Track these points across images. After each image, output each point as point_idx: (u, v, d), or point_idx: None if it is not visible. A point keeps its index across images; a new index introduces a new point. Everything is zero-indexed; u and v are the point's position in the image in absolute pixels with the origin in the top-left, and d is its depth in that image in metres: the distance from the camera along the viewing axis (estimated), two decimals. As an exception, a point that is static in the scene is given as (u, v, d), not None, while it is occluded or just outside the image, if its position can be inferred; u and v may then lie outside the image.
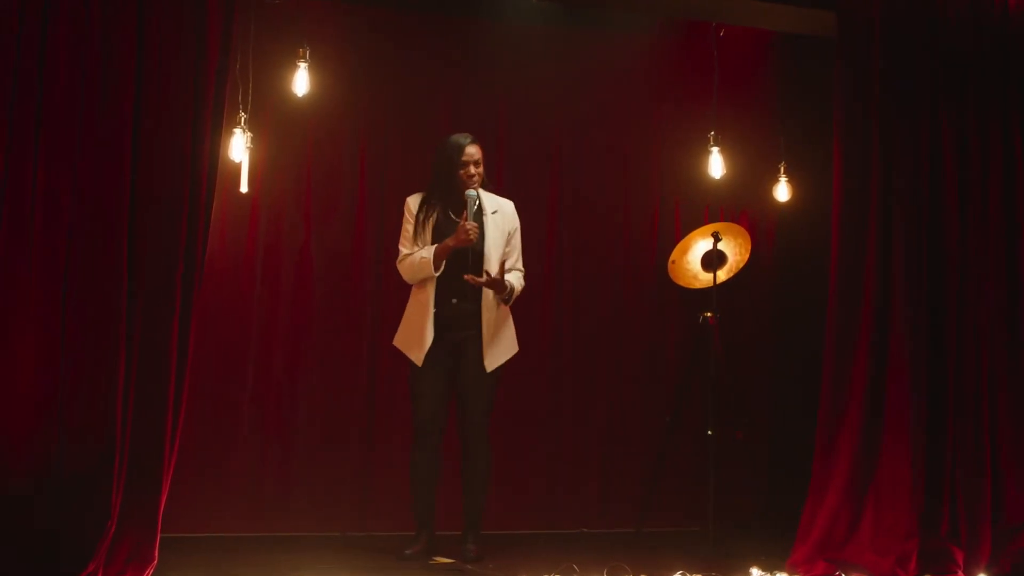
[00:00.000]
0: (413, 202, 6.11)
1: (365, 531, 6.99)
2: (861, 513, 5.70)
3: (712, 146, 6.74)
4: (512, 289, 6.01)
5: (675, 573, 5.39)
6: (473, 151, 6.03)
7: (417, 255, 5.96)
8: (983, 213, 5.99)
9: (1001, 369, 5.93)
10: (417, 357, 5.97)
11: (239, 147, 5.93)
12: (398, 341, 6.11)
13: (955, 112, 5.97)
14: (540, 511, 7.43)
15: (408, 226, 6.06)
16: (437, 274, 5.93)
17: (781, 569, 5.63)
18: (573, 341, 7.63)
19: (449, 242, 5.90)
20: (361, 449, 7.16)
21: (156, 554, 4.80)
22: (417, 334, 6.00)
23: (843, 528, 5.71)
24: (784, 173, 7.14)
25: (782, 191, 7.17)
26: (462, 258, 5.92)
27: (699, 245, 7.39)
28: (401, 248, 6.07)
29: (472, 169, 6.01)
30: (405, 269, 6.03)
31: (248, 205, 6.91)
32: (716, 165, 6.76)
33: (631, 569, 5.36)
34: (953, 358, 5.84)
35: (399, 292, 6.93)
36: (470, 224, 5.86)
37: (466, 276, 5.85)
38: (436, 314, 5.97)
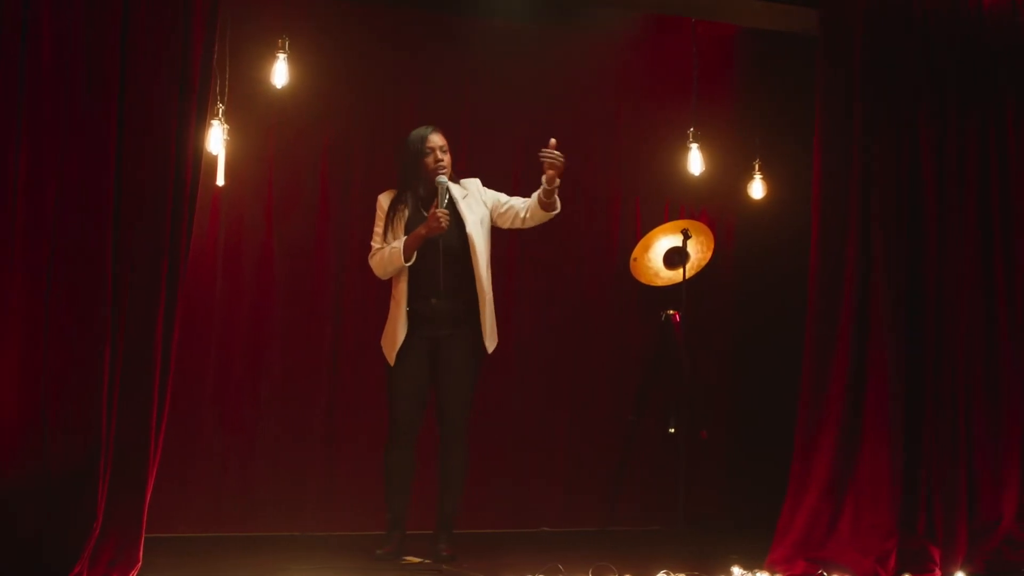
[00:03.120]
0: (384, 199, 6.02)
1: (326, 531, 6.92)
2: (840, 512, 5.69)
3: (691, 143, 6.74)
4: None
5: (659, 572, 5.35)
6: (436, 139, 5.95)
7: (388, 248, 5.88)
8: (961, 213, 6.00)
9: (978, 368, 5.95)
10: (390, 356, 5.90)
11: (216, 139, 5.83)
12: (382, 341, 6.02)
13: (935, 111, 5.99)
14: (504, 510, 7.41)
15: (379, 224, 5.98)
16: (408, 264, 5.83)
17: (759, 568, 5.61)
18: (536, 339, 7.61)
19: (421, 230, 5.80)
20: (324, 448, 7.11)
21: (140, 555, 4.69)
22: (391, 333, 5.92)
23: (823, 527, 5.69)
24: (759, 171, 7.16)
25: (756, 189, 7.19)
26: (435, 252, 5.84)
27: (661, 242, 7.40)
28: (372, 244, 5.98)
29: (439, 154, 5.92)
30: (376, 264, 5.94)
31: (208, 199, 6.77)
32: (695, 162, 6.76)
33: (615, 568, 5.32)
34: (931, 357, 5.85)
35: (362, 288, 6.92)
36: (441, 211, 5.77)
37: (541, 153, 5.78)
38: (412, 312, 5.88)
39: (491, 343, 5.97)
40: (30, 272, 4.58)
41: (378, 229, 5.97)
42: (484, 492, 7.22)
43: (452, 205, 5.91)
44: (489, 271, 5.96)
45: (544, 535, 7.25)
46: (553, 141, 5.74)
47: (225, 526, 6.77)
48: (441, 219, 5.76)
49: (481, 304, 5.90)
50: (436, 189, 5.88)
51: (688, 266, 7.22)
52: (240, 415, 6.94)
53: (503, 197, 6.07)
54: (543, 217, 5.96)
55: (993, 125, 6.13)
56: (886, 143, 5.90)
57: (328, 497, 7.03)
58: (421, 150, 5.93)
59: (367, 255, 6.02)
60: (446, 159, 5.95)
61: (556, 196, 5.87)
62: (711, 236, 7.38)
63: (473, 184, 6.07)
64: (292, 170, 7.12)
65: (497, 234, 6.08)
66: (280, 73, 5.96)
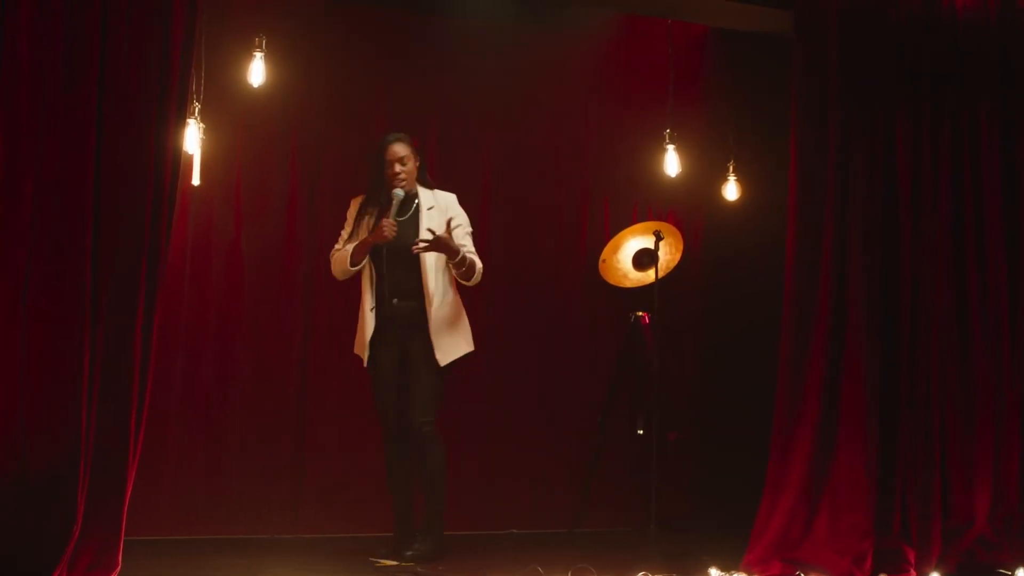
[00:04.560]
0: (355, 204, 6.10)
1: (297, 534, 6.85)
2: (816, 513, 5.72)
3: (668, 144, 6.73)
4: (464, 257, 5.88)
5: (637, 574, 5.36)
6: (397, 149, 5.99)
7: (343, 250, 5.96)
8: (934, 214, 6.04)
9: (952, 370, 5.99)
10: (363, 355, 5.98)
11: (193, 139, 5.79)
12: (355, 347, 6.08)
13: (910, 115, 6.02)
14: (472, 512, 7.32)
15: (346, 227, 6.07)
16: (354, 269, 5.91)
17: (735, 569, 5.62)
18: (505, 340, 7.55)
19: (368, 238, 5.89)
20: (294, 450, 7.03)
21: (120, 558, 4.65)
22: (360, 334, 6.01)
23: (799, 528, 5.72)
24: (733, 172, 7.16)
25: (731, 190, 7.19)
26: (393, 257, 5.90)
27: (630, 244, 7.38)
28: (336, 246, 6.07)
29: (397, 167, 5.97)
30: (333, 264, 6.05)
31: (177, 200, 6.68)
32: (672, 164, 6.75)
33: (593, 570, 5.32)
34: (906, 359, 5.89)
35: (331, 289, 6.83)
36: (387, 222, 5.83)
37: (413, 248, 5.80)
38: (378, 312, 5.94)
39: (443, 356, 5.93)
40: (7, 273, 4.54)
41: (343, 232, 6.08)
42: (452, 494, 7.16)
43: (416, 213, 5.97)
44: (443, 280, 5.98)
45: (514, 537, 7.21)
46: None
47: (198, 529, 6.69)
48: (385, 229, 5.83)
49: (429, 311, 5.90)
50: (392, 198, 5.93)
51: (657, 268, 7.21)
52: (209, 417, 6.86)
53: (461, 231, 6.06)
54: (466, 283, 6.05)
55: (967, 128, 6.16)
56: (861, 146, 5.93)
57: (299, 499, 6.97)
58: (381, 160, 5.99)
59: (335, 257, 6.06)
60: (405, 170, 5.99)
61: (469, 266, 5.92)
62: (680, 238, 7.38)
63: (446, 198, 6.12)
64: (262, 170, 7.05)
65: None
66: (257, 72, 5.92)
